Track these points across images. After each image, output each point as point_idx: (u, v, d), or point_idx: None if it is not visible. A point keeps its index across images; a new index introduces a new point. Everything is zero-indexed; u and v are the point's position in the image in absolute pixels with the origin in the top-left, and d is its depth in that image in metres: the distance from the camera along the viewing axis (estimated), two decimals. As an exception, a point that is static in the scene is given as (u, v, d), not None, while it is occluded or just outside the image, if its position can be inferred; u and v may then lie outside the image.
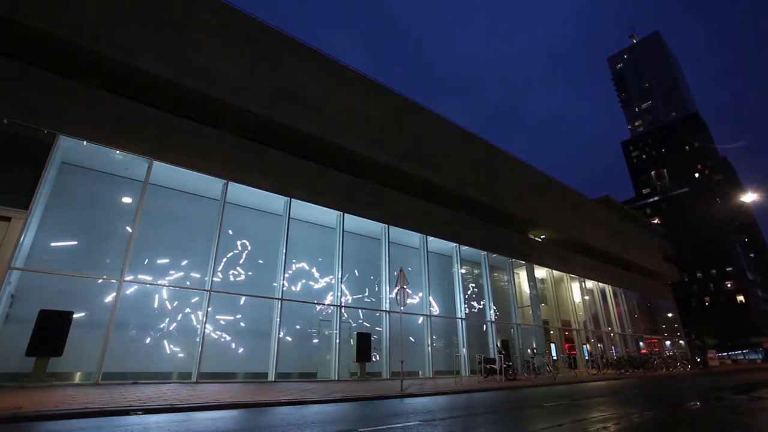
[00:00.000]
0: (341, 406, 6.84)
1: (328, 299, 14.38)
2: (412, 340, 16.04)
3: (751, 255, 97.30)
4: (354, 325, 14.75)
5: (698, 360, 29.55)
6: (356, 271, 15.72)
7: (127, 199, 11.50)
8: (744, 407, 6.38)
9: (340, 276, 14.32)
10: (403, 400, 8.23)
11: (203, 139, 11.94)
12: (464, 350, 17.19)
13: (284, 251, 12.96)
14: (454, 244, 18.51)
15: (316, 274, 14.74)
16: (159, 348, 11.15)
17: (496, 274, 21.43)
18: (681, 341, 37.28)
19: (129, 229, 10.43)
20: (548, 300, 23.87)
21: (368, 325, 15.11)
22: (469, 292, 19.60)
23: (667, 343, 35.28)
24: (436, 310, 17.52)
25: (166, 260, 11.80)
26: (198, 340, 10.83)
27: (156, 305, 11.29)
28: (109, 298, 10.03)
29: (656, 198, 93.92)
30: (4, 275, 8.37)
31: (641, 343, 30.72)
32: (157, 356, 11.02)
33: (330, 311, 14.15)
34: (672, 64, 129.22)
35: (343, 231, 14.81)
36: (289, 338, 13.25)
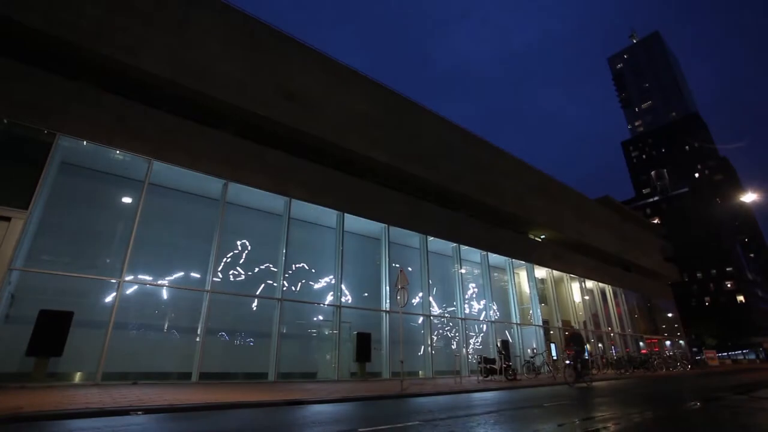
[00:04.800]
0: (341, 406, 6.84)
1: (328, 299, 14.37)
2: (413, 339, 16.04)
3: (751, 255, 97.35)
4: (353, 324, 14.74)
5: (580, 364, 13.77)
6: (356, 271, 15.71)
7: (127, 199, 11.49)
8: (744, 407, 6.38)
9: (340, 276, 14.31)
10: (403, 400, 8.23)
11: (203, 139, 11.93)
12: (464, 350, 17.19)
13: (284, 251, 12.95)
14: (454, 244, 18.51)
15: (316, 274, 14.73)
16: (159, 348, 11.14)
17: (496, 274, 21.43)
18: (681, 341, 37.29)
19: (129, 229, 10.42)
20: (548, 300, 23.86)
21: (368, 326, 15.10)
22: (469, 292, 19.60)
23: (667, 343, 35.29)
24: (436, 310, 17.53)
25: (166, 260, 11.79)
26: (198, 340, 10.83)
27: (156, 305, 11.29)
28: (109, 298, 10.02)
29: (656, 198, 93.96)
30: (4, 275, 8.37)
31: (641, 343, 30.71)
32: (157, 356, 11.02)
33: (328, 310, 14.14)
34: (672, 64, 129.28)
35: (343, 231, 14.81)
36: (289, 338, 13.24)
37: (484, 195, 19.87)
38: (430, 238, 17.32)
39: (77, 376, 9.65)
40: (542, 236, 25.14)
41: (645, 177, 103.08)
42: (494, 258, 20.39)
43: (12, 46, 9.79)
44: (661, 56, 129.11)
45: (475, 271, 20.48)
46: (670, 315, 37.52)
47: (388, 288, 15.33)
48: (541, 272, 23.92)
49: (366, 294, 15.78)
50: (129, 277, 10.29)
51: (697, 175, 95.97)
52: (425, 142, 18.16)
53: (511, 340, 20.14)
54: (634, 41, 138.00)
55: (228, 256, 12.73)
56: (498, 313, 20.24)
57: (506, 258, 20.96)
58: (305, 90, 14.32)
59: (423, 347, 16.14)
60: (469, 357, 17.37)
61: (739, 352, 66.65)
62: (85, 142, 10.09)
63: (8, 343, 8.79)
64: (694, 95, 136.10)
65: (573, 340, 12.68)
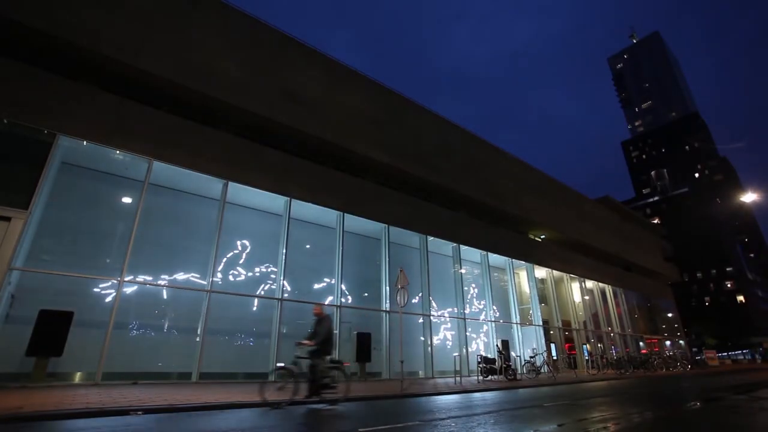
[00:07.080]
0: (341, 406, 6.84)
1: (328, 299, 14.37)
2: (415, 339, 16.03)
3: (751, 255, 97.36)
4: (353, 324, 14.74)
5: None
6: (356, 271, 15.70)
7: (127, 199, 11.49)
8: (744, 407, 6.38)
9: (340, 276, 14.31)
10: (403, 400, 8.23)
11: (203, 138, 11.93)
12: (464, 350, 17.19)
13: (284, 251, 12.95)
14: (454, 244, 18.51)
15: (316, 274, 14.72)
16: (159, 348, 11.14)
17: (496, 274, 21.43)
18: (681, 341, 37.29)
19: (129, 229, 10.43)
20: (548, 300, 23.86)
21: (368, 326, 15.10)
22: (469, 293, 19.60)
23: (667, 343, 35.29)
24: (436, 310, 17.52)
25: (166, 260, 11.79)
26: (198, 340, 10.83)
27: (156, 305, 11.28)
28: (109, 298, 10.03)
29: (656, 198, 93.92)
30: (4, 275, 8.37)
31: (641, 343, 30.72)
32: (157, 356, 11.02)
33: (328, 310, 14.13)
34: (672, 64, 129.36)
35: (343, 231, 14.81)
36: (289, 338, 13.21)
37: (484, 195, 19.87)
38: (430, 238, 17.32)
39: (77, 376, 9.65)
40: (542, 236, 25.14)
41: (645, 177, 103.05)
42: (494, 258, 20.39)
43: (12, 46, 9.79)
44: (661, 56, 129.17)
45: (475, 271, 20.48)
46: (670, 315, 37.52)
47: (388, 288, 15.33)
48: (541, 272, 23.93)
49: (366, 294, 15.77)
50: (129, 277, 10.29)
51: (697, 175, 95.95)
52: (425, 142, 18.16)
53: (511, 340, 20.14)
54: (634, 41, 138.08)
55: (228, 256, 12.73)
56: (498, 313, 20.24)
57: (506, 258, 20.96)
58: (305, 90, 14.32)
59: (423, 347, 16.13)
60: (469, 357, 17.36)
61: (739, 352, 66.54)
62: (85, 142, 10.10)
63: (8, 343, 8.79)
64: (694, 95, 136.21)
65: (318, 327, 7.21)
